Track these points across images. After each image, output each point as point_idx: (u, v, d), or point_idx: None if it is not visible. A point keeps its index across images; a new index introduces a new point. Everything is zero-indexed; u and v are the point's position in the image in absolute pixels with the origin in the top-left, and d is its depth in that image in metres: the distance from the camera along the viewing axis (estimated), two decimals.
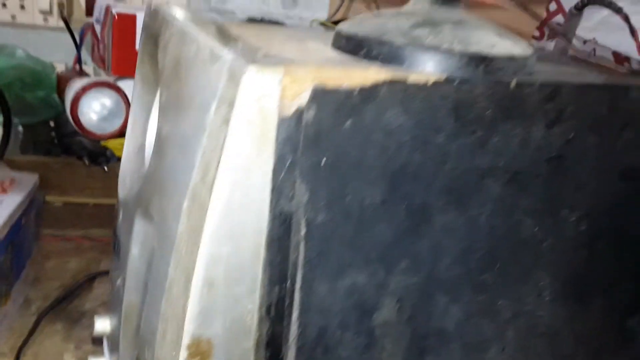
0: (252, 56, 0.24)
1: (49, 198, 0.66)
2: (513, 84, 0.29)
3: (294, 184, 0.25)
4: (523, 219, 0.32)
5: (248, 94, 0.23)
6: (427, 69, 0.28)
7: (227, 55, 0.24)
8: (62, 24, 0.79)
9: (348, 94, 0.25)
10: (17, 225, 0.46)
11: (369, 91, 0.25)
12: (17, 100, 0.68)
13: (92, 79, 0.65)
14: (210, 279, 0.25)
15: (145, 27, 0.36)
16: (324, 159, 0.26)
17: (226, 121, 0.23)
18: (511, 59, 0.30)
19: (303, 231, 0.27)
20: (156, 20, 0.34)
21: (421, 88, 0.27)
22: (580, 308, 0.37)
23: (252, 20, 0.55)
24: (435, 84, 0.27)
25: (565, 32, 0.79)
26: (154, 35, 0.34)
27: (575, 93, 0.31)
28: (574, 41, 0.91)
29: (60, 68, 0.80)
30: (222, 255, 0.25)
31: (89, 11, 0.76)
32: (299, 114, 0.24)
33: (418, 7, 0.34)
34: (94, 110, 0.60)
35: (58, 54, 0.79)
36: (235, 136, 0.23)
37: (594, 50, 0.90)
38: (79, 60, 0.75)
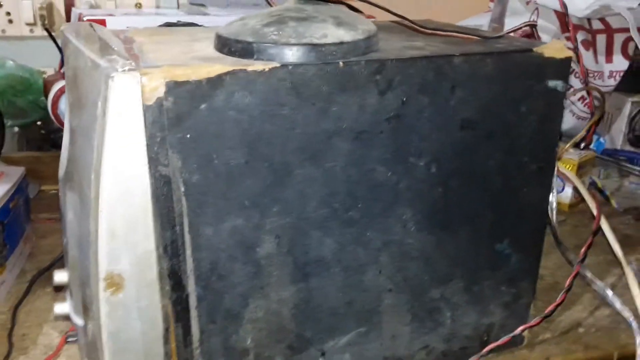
0: (120, 64, 0.33)
1: (44, 187, 0.77)
2: (341, 64, 0.37)
3: (167, 154, 0.34)
4: (375, 167, 0.41)
5: (116, 92, 0.32)
6: (269, 58, 0.36)
7: (103, 64, 0.33)
8: (46, 33, 0.88)
9: (197, 84, 0.34)
10: (5, 209, 0.56)
11: (215, 81, 0.34)
12: (10, 105, 0.79)
13: None
14: (112, 230, 0.34)
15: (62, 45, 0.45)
16: (188, 134, 0.34)
17: (104, 113, 0.32)
18: (341, 44, 0.38)
19: (182, 189, 0.36)
20: (64, 41, 0.43)
21: (260, 74, 0.35)
22: (448, 235, 0.45)
23: (168, 24, 0.63)
24: (272, 70, 0.35)
25: None
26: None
27: (400, 66, 0.39)
28: (518, 3, 0.96)
29: (49, 72, 0.90)
30: (117, 210, 0.34)
31: (68, 19, 0.86)
32: (160, 102, 0.33)
33: (286, 6, 0.42)
34: None
35: (45, 60, 0.89)
36: (112, 123, 0.32)
37: (537, 10, 0.96)
38: (62, 64, 0.84)
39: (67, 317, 0.45)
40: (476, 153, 0.43)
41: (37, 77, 0.84)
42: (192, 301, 0.38)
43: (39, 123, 0.84)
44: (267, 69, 0.35)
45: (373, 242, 0.43)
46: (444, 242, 0.45)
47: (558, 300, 0.50)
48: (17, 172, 0.61)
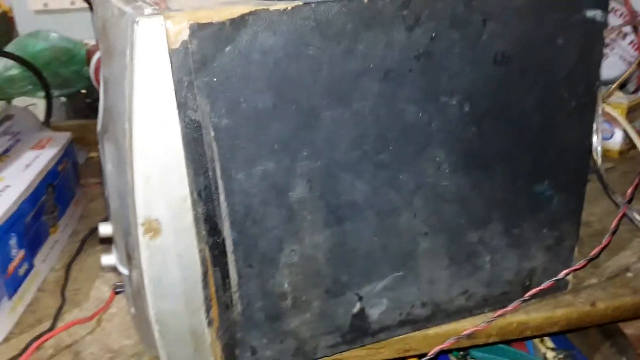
0: (144, 10, 0.33)
1: (92, 154, 0.80)
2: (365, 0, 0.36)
3: (195, 98, 0.35)
4: (406, 107, 0.40)
5: (142, 36, 0.32)
6: None
7: (128, 10, 0.33)
8: (86, 5, 0.90)
9: (221, 25, 0.34)
10: (54, 171, 0.58)
11: (238, 22, 0.34)
12: (55, 76, 0.82)
13: None
14: (147, 176, 0.35)
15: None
16: (215, 78, 0.35)
17: (132, 59, 0.33)
18: None
19: (212, 134, 0.36)
20: None
21: (283, 13, 0.35)
22: (484, 177, 0.44)
23: None
24: (295, 8, 0.35)
25: None
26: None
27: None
28: None
29: (91, 43, 0.92)
30: (150, 156, 0.35)
31: None
32: (185, 45, 0.33)
33: None
34: None
35: (87, 31, 0.91)
36: (140, 68, 0.33)
37: None
38: None
39: (114, 268, 0.47)
40: (511, 90, 0.42)
41: (80, 47, 0.86)
42: (229, 245, 0.39)
43: (83, 92, 0.87)
44: (289, 8, 0.35)
45: (406, 185, 0.42)
46: (480, 184, 0.44)
47: (604, 242, 0.48)
48: (64, 137, 0.63)
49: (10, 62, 0.83)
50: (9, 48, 0.84)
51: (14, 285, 0.51)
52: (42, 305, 0.53)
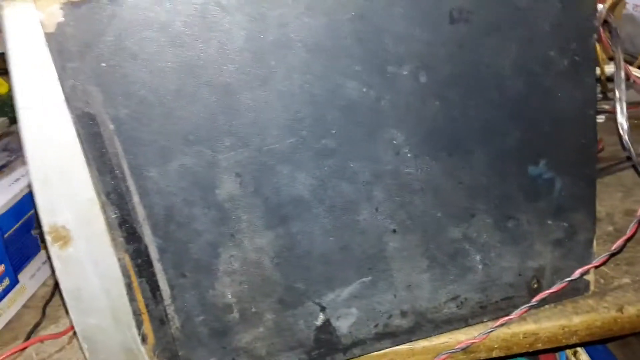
0: None
1: None
2: None
3: (84, 88, 0.31)
4: (344, 82, 0.34)
5: (11, 22, 0.29)
6: None
7: None
8: None
9: (97, 1, 0.30)
10: None
11: None
12: None
13: None
14: (44, 178, 0.32)
15: None
16: (102, 63, 0.31)
17: (8, 49, 0.30)
18: None
19: (111, 127, 0.32)
20: None
21: None
22: (459, 160, 0.37)
23: None
24: None
25: None
26: None
27: None
28: None
29: None
30: (45, 158, 0.31)
31: None
32: (61, 28, 0.30)
33: None
34: None
35: None
36: (16, 57, 0.30)
37: None
38: None
39: None
40: (478, 52, 0.35)
41: None
42: (154, 253, 0.35)
43: None
44: None
45: (360, 175, 0.36)
46: (455, 170, 0.37)
47: (628, 233, 0.40)
48: None
49: None
50: None
51: None
52: (23, 322, 0.52)
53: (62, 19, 0.29)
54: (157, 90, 0.32)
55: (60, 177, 0.32)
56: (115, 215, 0.33)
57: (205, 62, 0.32)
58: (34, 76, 0.30)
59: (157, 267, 0.35)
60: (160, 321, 0.36)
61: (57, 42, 0.30)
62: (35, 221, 0.57)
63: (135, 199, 0.34)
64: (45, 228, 0.33)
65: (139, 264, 0.35)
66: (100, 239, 0.34)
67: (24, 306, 0.54)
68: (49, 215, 0.33)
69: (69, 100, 0.31)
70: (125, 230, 0.34)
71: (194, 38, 0.31)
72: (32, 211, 0.56)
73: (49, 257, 0.37)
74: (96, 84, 0.31)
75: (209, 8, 0.31)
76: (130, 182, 0.33)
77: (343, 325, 0.39)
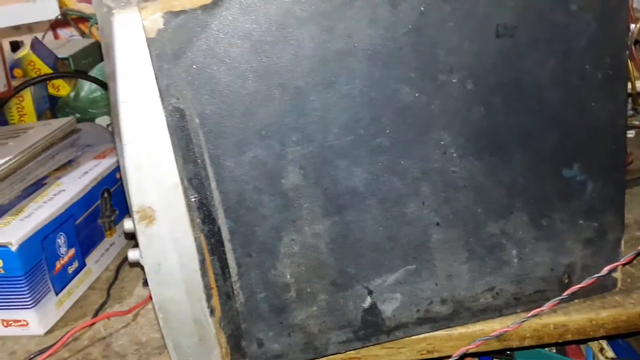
0: (120, 5, 0.35)
1: None
2: None
3: (177, 86, 0.36)
4: (399, 88, 0.38)
5: (119, 28, 0.34)
6: None
7: (110, 4, 0.35)
8: None
9: (193, 12, 0.35)
10: (111, 178, 0.63)
11: (211, 7, 0.35)
12: None
13: None
14: (137, 163, 0.37)
15: None
16: (194, 65, 0.36)
17: (114, 50, 0.35)
18: None
19: (197, 121, 0.37)
20: None
21: None
22: (500, 161, 0.41)
23: None
24: None
25: None
26: None
27: None
28: None
29: None
30: (140, 146, 0.36)
31: None
32: (161, 34, 0.35)
33: None
34: None
35: None
36: (121, 59, 0.35)
37: None
38: None
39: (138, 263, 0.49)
40: (520, 64, 0.39)
41: None
42: (225, 234, 0.39)
43: None
44: None
45: (410, 171, 0.40)
46: (496, 170, 0.41)
47: None
48: None
49: (94, 85, 0.91)
50: (93, 72, 0.92)
51: (62, 281, 0.55)
52: (89, 302, 0.57)
53: (162, 26, 0.34)
54: (238, 91, 0.36)
55: (150, 164, 0.37)
56: (194, 199, 0.38)
57: (280, 67, 0.36)
58: (135, 74, 0.35)
59: (228, 246, 0.40)
60: (227, 296, 0.41)
61: (156, 46, 0.35)
62: (102, 210, 0.62)
63: (213, 185, 0.38)
64: (135, 208, 0.38)
65: (212, 243, 0.39)
66: (180, 220, 0.38)
67: (90, 287, 0.59)
68: (138, 196, 0.37)
69: (162, 97, 0.36)
70: (203, 212, 0.39)
71: (272, 45, 0.36)
72: (99, 202, 0.62)
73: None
74: (187, 83, 0.36)
75: (286, 20, 0.36)
76: (210, 170, 0.38)
77: (388, 308, 0.43)
